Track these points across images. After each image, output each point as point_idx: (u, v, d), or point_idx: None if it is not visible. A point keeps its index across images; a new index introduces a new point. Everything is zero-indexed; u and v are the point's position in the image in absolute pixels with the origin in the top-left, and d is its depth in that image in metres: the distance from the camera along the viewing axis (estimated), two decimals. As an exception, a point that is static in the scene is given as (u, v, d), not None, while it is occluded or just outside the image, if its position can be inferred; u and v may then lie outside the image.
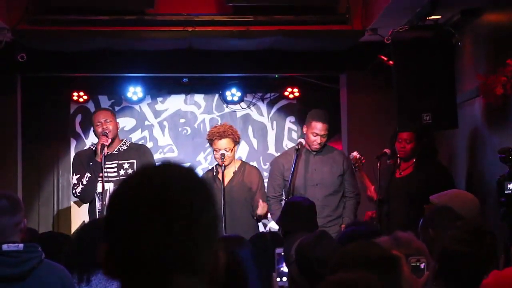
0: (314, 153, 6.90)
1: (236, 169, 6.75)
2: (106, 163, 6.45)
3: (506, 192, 5.09)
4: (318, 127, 6.79)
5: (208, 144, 7.08)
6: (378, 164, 6.75)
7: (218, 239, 1.46)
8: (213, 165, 6.93)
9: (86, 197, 6.64)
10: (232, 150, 6.64)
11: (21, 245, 3.49)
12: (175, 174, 1.43)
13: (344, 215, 6.84)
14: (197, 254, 1.39)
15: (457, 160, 7.21)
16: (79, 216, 6.80)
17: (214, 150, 6.67)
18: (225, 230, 6.19)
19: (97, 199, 6.55)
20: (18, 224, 3.60)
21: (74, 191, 6.65)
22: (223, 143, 6.61)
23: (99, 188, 6.50)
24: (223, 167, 6.52)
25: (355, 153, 7.04)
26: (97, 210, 6.54)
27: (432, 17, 6.56)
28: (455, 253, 3.22)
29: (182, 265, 1.37)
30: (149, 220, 1.36)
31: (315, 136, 6.80)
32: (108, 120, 6.63)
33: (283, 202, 6.65)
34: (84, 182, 6.51)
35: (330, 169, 6.86)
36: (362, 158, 6.98)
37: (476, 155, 6.76)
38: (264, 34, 7.45)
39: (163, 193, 1.38)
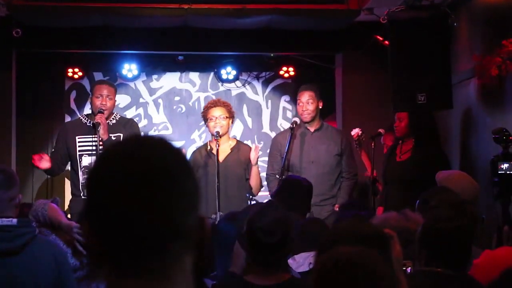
0: (312, 130, 6.92)
1: (233, 146, 6.76)
2: (94, 136, 6.45)
3: (499, 172, 5.13)
4: (303, 95, 6.93)
5: (202, 122, 7.07)
6: (372, 144, 6.75)
7: (200, 204, 1.46)
8: (207, 141, 6.95)
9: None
10: (226, 119, 6.66)
11: (14, 220, 3.46)
12: (149, 144, 1.42)
13: (338, 195, 6.85)
14: (183, 221, 1.38)
15: (451, 140, 7.22)
16: (73, 192, 6.84)
17: (209, 120, 6.66)
18: (219, 207, 6.18)
19: (80, 173, 6.55)
20: (13, 199, 3.56)
21: None
22: (218, 111, 6.66)
23: (85, 162, 6.53)
24: (217, 145, 6.51)
25: (357, 130, 7.01)
26: (80, 184, 6.55)
27: (429, -3, 6.56)
28: (440, 231, 3.17)
29: (170, 233, 1.37)
30: (131, 191, 1.34)
31: (300, 105, 6.90)
32: (110, 97, 6.62)
33: None
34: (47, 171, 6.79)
35: (326, 148, 6.89)
36: (364, 135, 6.97)
37: (470, 135, 6.78)
38: (260, 13, 7.44)
39: (141, 163, 1.36)
